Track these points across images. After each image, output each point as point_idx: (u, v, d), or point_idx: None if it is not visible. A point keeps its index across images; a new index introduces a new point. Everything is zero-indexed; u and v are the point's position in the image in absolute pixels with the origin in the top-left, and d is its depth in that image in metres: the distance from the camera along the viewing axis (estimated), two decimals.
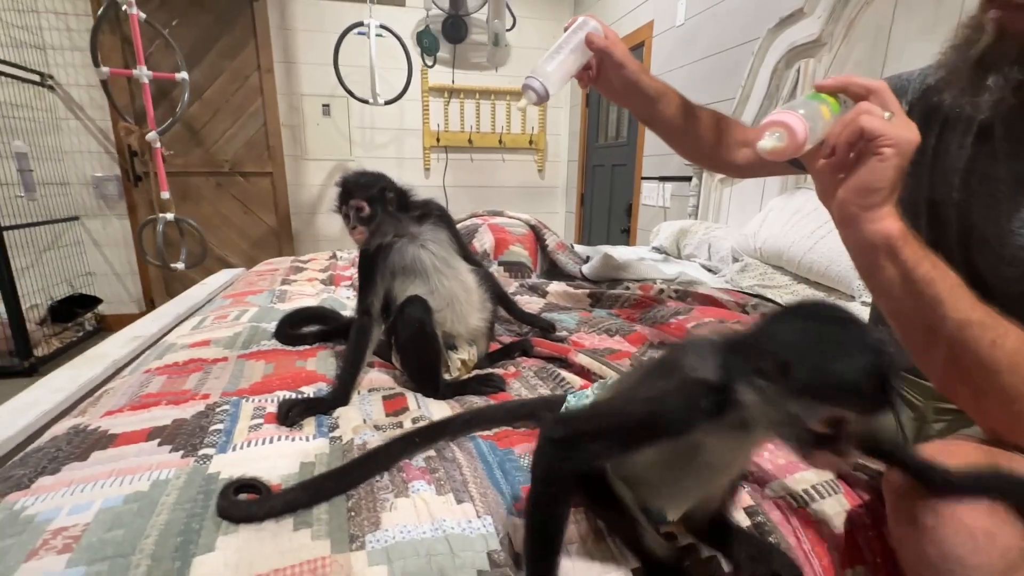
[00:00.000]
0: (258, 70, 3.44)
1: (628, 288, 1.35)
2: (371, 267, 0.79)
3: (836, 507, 0.56)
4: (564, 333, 1.04)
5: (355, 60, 3.34)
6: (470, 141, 3.85)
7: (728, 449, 0.44)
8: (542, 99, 0.75)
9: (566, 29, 0.77)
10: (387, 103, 3.21)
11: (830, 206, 0.51)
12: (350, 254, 1.87)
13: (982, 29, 0.51)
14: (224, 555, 0.44)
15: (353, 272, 1.59)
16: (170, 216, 3.03)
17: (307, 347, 0.93)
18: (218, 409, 0.68)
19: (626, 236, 3.19)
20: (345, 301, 1.26)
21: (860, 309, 1.16)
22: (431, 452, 0.59)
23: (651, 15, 2.76)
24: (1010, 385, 0.45)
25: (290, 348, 0.93)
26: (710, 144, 0.85)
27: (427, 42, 3.42)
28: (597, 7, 3.47)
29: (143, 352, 1.02)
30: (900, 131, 0.45)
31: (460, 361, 0.83)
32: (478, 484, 0.54)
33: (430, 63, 3.50)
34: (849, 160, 0.48)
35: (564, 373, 0.81)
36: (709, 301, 1.17)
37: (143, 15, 2.74)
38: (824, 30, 1.63)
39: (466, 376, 0.84)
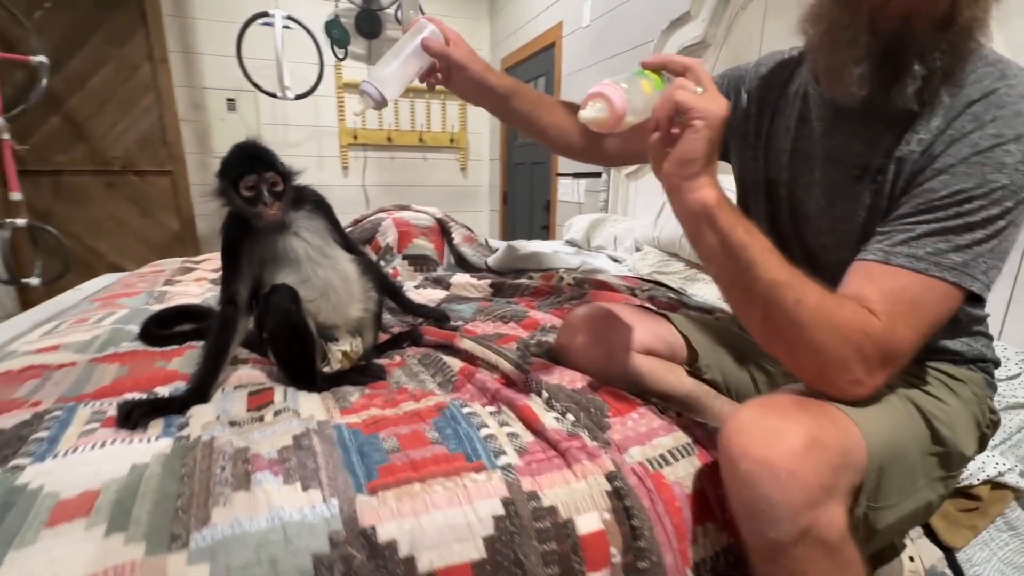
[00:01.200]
0: (150, 60, 3.18)
1: (532, 278, 1.37)
2: (236, 252, 0.74)
3: (689, 468, 0.59)
4: (459, 323, 1.03)
5: (262, 52, 3.17)
6: (389, 139, 3.76)
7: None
8: (380, 104, 0.74)
9: (404, 31, 0.77)
10: (298, 97, 3.07)
11: (660, 178, 0.54)
12: None
13: None
14: (17, 569, 0.39)
15: None
16: (20, 221, 2.68)
17: (175, 347, 0.86)
18: (47, 416, 0.61)
19: (546, 232, 3.25)
20: None
21: None
22: (287, 442, 0.56)
23: (560, 16, 2.83)
24: (817, 339, 0.50)
25: (155, 349, 0.85)
26: (574, 136, 0.87)
27: (337, 33, 3.30)
28: (508, 8, 3.51)
29: None
30: (709, 104, 0.48)
31: (341, 353, 0.80)
32: (330, 469, 0.52)
33: (341, 55, 3.39)
34: (672, 135, 0.51)
35: (447, 359, 0.80)
36: (603, 287, 1.21)
37: None
38: (708, 32, 1.74)
39: (348, 368, 0.82)
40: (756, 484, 0.45)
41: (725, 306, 1.18)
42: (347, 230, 1.79)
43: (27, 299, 3.22)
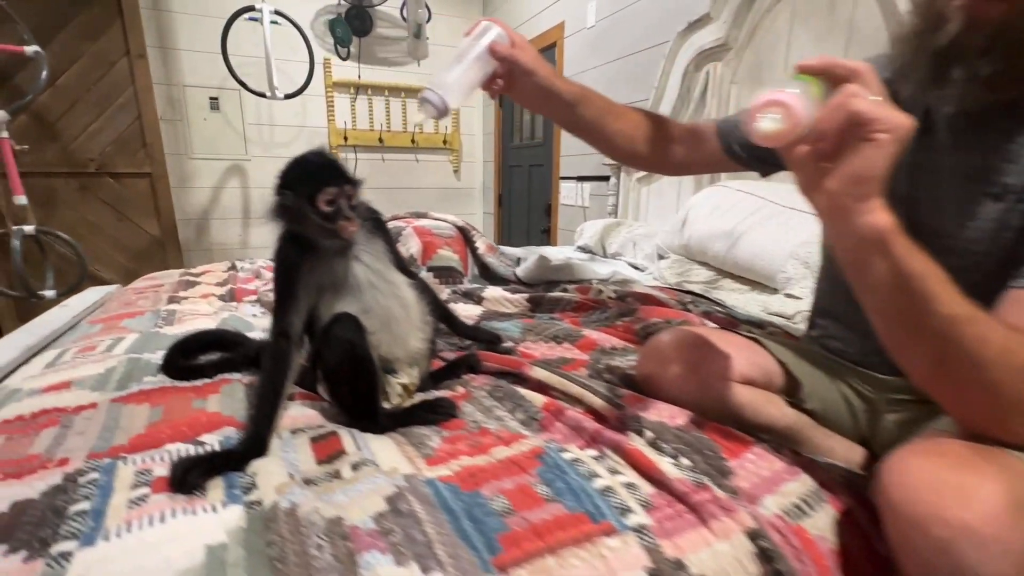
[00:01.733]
0: (127, 56, 2.99)
1: (566, 290, 1.30)
2: (292, 278, 0.66)
3: (826, 518, 0.54)
4: (510, 344, 0.96)
5: (249, 50, 3.03)
6: (381, 140, 3.65)
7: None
8: (441, 113, 0.67)
9: (467, 35, 0.69)
10: (287, 97, 2.94)
11: (815, 199, 0.48)
12: (252, 264, 1.65)
13: (944, 18, 0.50)
14: None
15: (259, 285, 1.39)
16: (29, 228, 2.51)
17: (207, 381, 0.76)
18: (82, 479, 0.52)
19: (546, 236, 3.19)
20: (251, 320, 1.08)
21: (784, 302, 1.21)
22: (381, 506, 0.48)
23: (562, 16, 2.78)
24: (997, 380, 0.44)
25: (184, 384, 0.75)
26: (640, 144, 0.82)
27: (340, 31, 3.17)
28: (505, 7, 3.44)
29: None
30: (895, 116, 0.42)
31: (401, 386, 0.72)
32: (444, 542, 0.44)
33: (344, 55, 3.26)
34: (836, 148, 0.45)
35: (521, 391, 0.73)
36: (650, 301, 1.15)
37: None
38: (729, 35, 1.70)
39: (409, 402, 0.73)
40: (956, 553, 0.40)
41: (770, 318, 1.14)
42: None
43: (24, 316, 3.00)
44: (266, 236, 2.99)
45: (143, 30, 3.00)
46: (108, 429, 0.62)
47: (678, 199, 2.01)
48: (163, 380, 0.76)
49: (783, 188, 1.45)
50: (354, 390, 0.66)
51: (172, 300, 1.24)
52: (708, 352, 0.69)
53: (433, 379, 0.81)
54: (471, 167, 4.08)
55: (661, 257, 1.74)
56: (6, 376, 0.89)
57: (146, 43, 3.02)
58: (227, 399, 0.70)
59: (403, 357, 0.72)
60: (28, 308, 2.93)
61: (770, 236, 1.34)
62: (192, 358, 0.83)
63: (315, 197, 0.63)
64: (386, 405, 0.70)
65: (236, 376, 0.78)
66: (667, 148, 0.82)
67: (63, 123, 2.96)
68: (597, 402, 0.67)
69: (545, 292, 1.26)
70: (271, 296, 1.24)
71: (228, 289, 1.35)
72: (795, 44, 1.52)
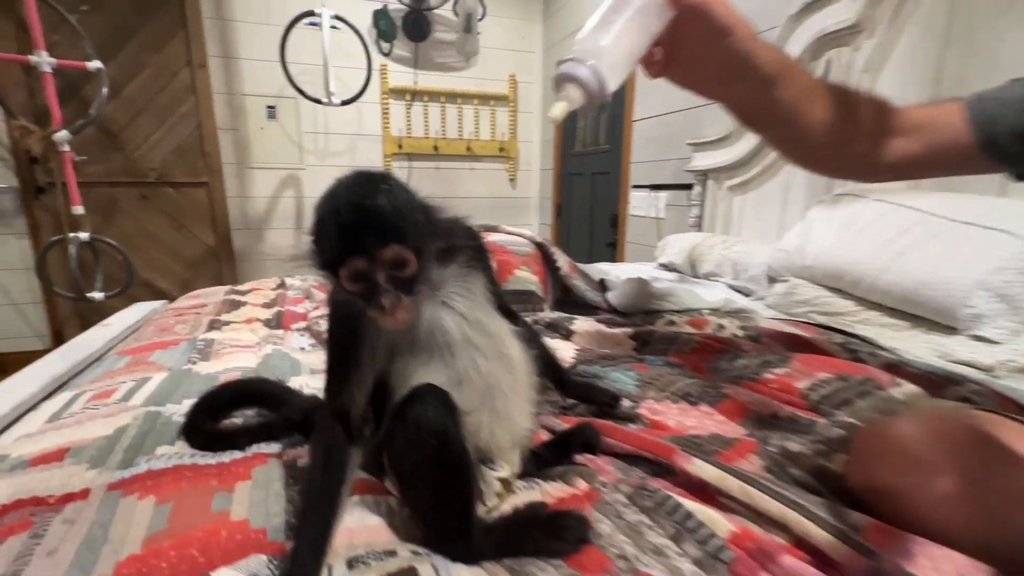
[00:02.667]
0: (189, 65, 2.99)
1: (673, 323, 1.05)
2: (352, 335, 0.45)
3: None
4: (627, 403, 0.72)
5: (306, 56, 2.95)
6: (435, 148, 3.51)
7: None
8: (594, 98, 0.44)
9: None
10: (344, 103, 2.83)
11: None
12: (303, 281, 1.49)
13: None
14: None
15: (309, 308, 1.21)
16: (84, 235, 2.52)
17: (236, 456, 0.57)
18: None
19: (612, 250, 2.93)
20: (299, 356, 0.90)
21: (974, 348, 0.91)
22: None
23: None
24: None
25: (207, 460, 0.56)
26: (847, 139, 0.57)
27: (384, 24, 3.05)
28: (567, 8, 3.22)
29: None
30: None
31: (500, 482, 0.50)
32: None
33: (386, 50, 3.14)
34: None
35: (679, 499, 0.49)
36: (799, 344, 0.88)
37: None
38: (863, 15, 1.41)
39: (508, 503, 0.51)
40: None
41: (960, 370, 0.84)
42: None
43: (56, 317, 3.04)
44: None
45: (205, 40, 2.99)
46: (90, 546, 0.43)
47: (783, 211, 1.72)
48: (180, 452, 0.57)
49: (949, 199, 1.15)
50: (441, 499, 0.43)
51: (213, 325, 1.07)
52: (1000, 458, 0.43)
53: (535, 461, 0.58)
54: (527, 176, 3.88)
55: (773, 280, 1.45)
56: (12, 423, 0.73)
57: (207, 53, 3.01)
58: (259, 495, 0.50)
59: (508, 444, 0.49)
60: (88, 314, 2.95)
61: (941, 259, 1.04)
62: (222, 416, 0.64)
63: (336, 271, 0.42)
64: (480, 508, 0.48)
65: (275, 449, 0.58)
66: (884, 144, 0.57)
67: (127, 133, 2.97)
68: (821, 536, 0.42)
69: (650, 325, 1.02)
70: (321, 325, 1.06)
71: (275, 312, 1.18)
72: (965, 19, 1.22)
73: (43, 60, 2.29)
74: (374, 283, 0.42)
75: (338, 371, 0.46)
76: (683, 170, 2.15)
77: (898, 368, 0.78)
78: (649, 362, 0.89)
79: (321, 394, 0.70)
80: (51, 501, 0.49)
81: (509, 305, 0.57)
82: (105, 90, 2.44)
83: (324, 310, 1.11)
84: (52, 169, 2.76)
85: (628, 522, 0.47)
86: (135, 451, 0.57)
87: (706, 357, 0.88)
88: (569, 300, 1.27)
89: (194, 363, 0.86)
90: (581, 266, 1.47)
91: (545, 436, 0.61)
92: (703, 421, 0.68)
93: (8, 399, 0.83)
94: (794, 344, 0.89)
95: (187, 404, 0.69)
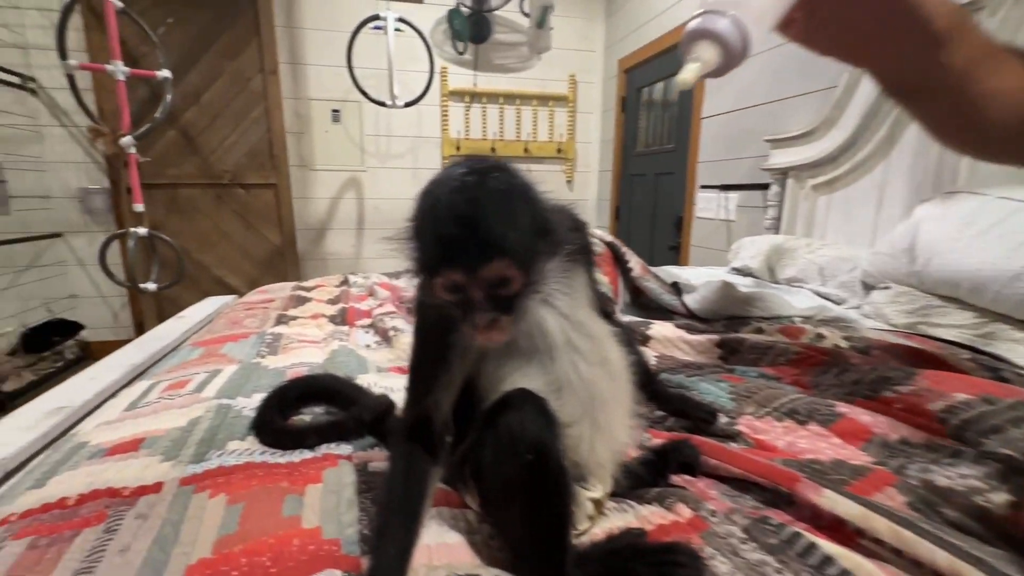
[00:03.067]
0: (261, 72, 3.12)
1: (760, 330, 0.95)
2: (443, 333, 0.40)
3: None
4: (723, 420, 0.64)
5: (369, 60, 3.02)
6: (493, 149, 3.49)
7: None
8: (735, 57, 0.37)
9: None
10: (406, 105, 2.86)
11: None
12: (366, 279, 1.49)
13: None
14: None
15: (372, 305, 1.20)
16: (142, 230, 2.68)
17: (306, 456, 0.54)
18: None
19: (675, 253, 2.80)
20: (364, 353, 0.87)
21: None
22: None
23: None
24: None
25: (276, 459, 0.53)
26: (1015, 111, 0.47)
27: (458, 23, 3.06)
28: (630, 4, 3.12)
29: (38, 454, 0.63)
30: None
31: (592, 503, 0.44)
32: None
33: (461, 49, 3.16)
34: None
35: (807, 535, 0.41)
36: (923, 359, 0.77)
37: (119, 4, 2.43)
38: None
39: (600, 524, 0.45)
40: None
41: None
42: None
43: (138, 309, 3.25)
44: (379, 248, 2.92)
45: (277, 46, 3.12)
46: (162, 546, 0.40)
47: (877, 211, 1.56)
48: (250, 448, 0.55)
49: None
50: (533, 522, 0.38)
51: (280, 320, 1.08)
52: None
53: (629, 477, 0.51)
54: (585, 177, 3.80)
55: (869, 288, 1.31)
56: (83, 418, 0.74)
57: (278, 59, 3.14)
58: (331, 500, 0.46)
59: (607, 460, 0.43)
60: (166, 307, 3.13)
61: None
62: (291, 412, 0.61)
63: (431, 277, 0.37)
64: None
65: (345, 450, 0.55)
66: None
67: (204, 137, 3.14)
68: None
69: (736, 332, 0.92)
70: (386, 323, 1.04)
71: (340, 309, 1.17)
72: None
73: (118, 69, 2.46)
74: (468, 299, 0.37)
75: (424, 372, 0.42)
76: (759, 169, 2.00)
77: None
78: (740, 373, 0.80)
79: (392, 394, 0.67)
80: (125, 493, 0.47)
81: (605, 305, 0.51)
82: (169, 96, 2.57)
83: (389, 307, 1.10)
84: (118, 169, 2.95)
85: (748, 561, 0.40)
86: (207, 445, 0.55)
87: (807, 370, 0.78)
88: (639, 303, 1.19)
89: (263, 356, 0.86)
90: (652, 268, 1.39)
91: (634, 451, 0.54)
92: (816, 443, 0.59)
93: (91, 386, 0.85)
94: (914, 358, 0.77)
95: (256, 398, 0.68)
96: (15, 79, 2.77)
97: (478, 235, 0.35)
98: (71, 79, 2.51)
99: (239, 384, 0.72)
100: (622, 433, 0.44)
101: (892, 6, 0.42)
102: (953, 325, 1.06)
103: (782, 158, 1.86)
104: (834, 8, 0.44)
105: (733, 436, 0.59)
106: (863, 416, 0.62)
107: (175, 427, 0.59)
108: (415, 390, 0.43)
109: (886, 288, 1.21)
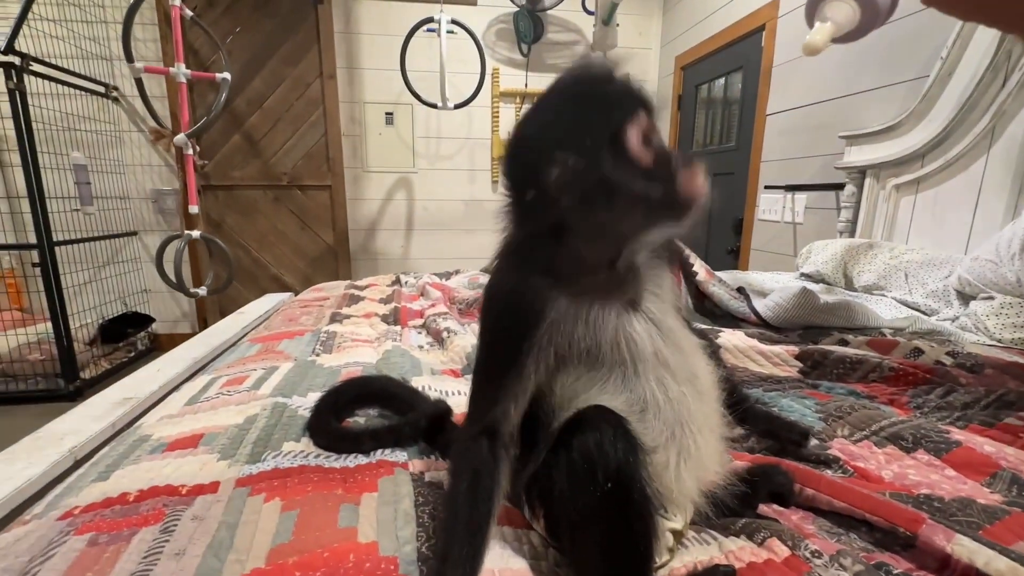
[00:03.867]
0: (320, 77, 3.22)
1: (845, 342, 0.86)
2: (521, 337, 0.36)
3: None
4: (814, 443, 0.57)
5: (421, 64, 3.05)
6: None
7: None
8: (878, 15, 0.33)
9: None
10: (457, 107, 2.87)
11: None
12: (417, 279, 1.49)
13: None
14: None
15: (424, 305, 1.18)
16: (196, 233, 2.79)
17: (360, 462, 0.51)
18: None
19: (734, 257, 2.66)
20: (418, 355, 0.85)
21: None
22: None
23: None
24: None
25: (331, 463, 0.51)
26: None
27: (523, 26, 3.05)
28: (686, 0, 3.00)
29: (105, 444, 0.64)
30: None
31: (673, 534, 0.39)
32: None
33: (526, 50, 3.15)
34: None
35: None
36: None
37: (188, 12, 2.56)
38: None
39: (681, 559, 0.40)
40: None
41: None
42: None
43: (201, 304, 3.42)
44: (426, 247, 2.93)
45: (335, 52, 3.21)
46: (216, 552, 0.39)
47: (973, 212, 1.40)
48: (305, 450, 0.53)
49: None
50: (611, 556, 0.33)
51: (334, 318, 1.08)
52: None
53: (711, 507, 0.45)
54: None
55: (965, 298, 1.17)
56: (150, 408, 0.76)
57: (337, 64, 3.23)
58: (387, 512, 0.43)
59: (694, 490, 0.38)
60: (226, 304, 3.27)
61: None
62: (346, 414, 0.59)
63: (620, 135, 0.33)
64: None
65: (400, 457, 0.52)
66: None
67: (265, 141, 3.27)
68: None
69: (818, 343, 0.84)
70: (439, 324, 1.02)
71: (392, 308, 1.16)
72: None
73: (180, 72, 2.59)
74: (658, 144, 0.34)
75: (493, 377, 0.38)
76: (832, 168, 1.86)
77: None
78: (826, 389, 0.72)
79: (448, 398, 0.64)
80: (183, 492, 0.46)
81: (688, 316, 0.46)
82: (223, 96, 2.67)
83: (442, 308, 1.07)
84: (207, 172, 3.10)
85: None
86: (263, 445, 0.54)
87: (905, 389, 0.70)
88: (702, 309, 1.11)
89: (318, 355, 0.85)
90: (718, 273, 1.31)
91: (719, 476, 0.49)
92: (927, 475, 0.51)
93: (157, 378, 0.87)
94: None
95: (312, 397, 0.67)
96: (100, 88, 2.98)
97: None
98: (139, 83, 2.65)
99: (295, 382, 0.71)
100: (711, 460, 0.39)
101: None
102: None
103: (860, 156, 1.72)
104: None
105: (828, 463, 0.52)
106: (985, 447, 0.53)
107: (233, 424, 0.59)
108: (482, 397, 0.39)
109: (989, 298, 1.08)
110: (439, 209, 3.51)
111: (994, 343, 0.96)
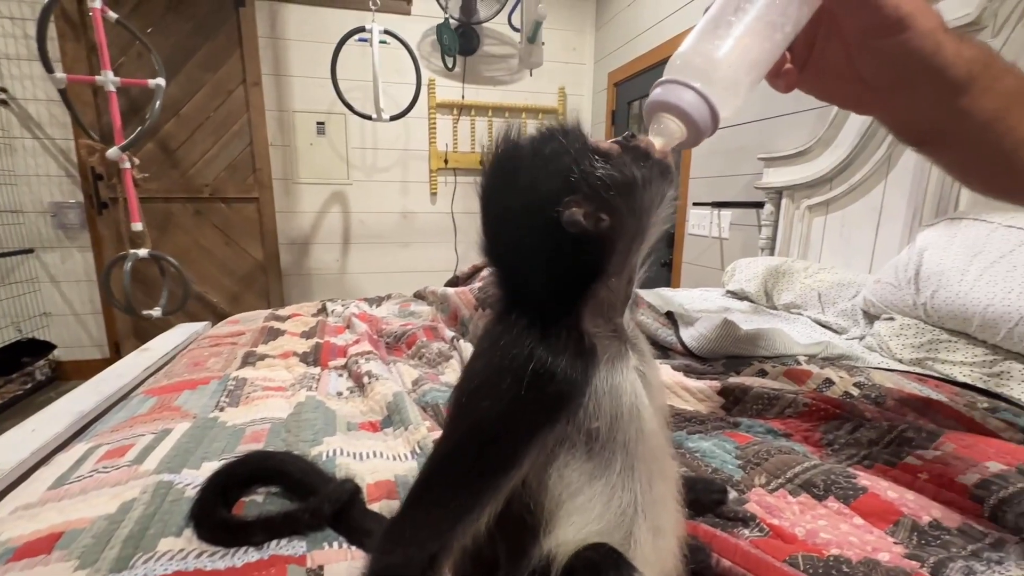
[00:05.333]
0: (244, 84, 3.04)
1: (764, 372, 0.89)
2: (517, 430, 0.29)
3: None
4: (733, 496, 0.57)
5: (355, 73, 2.96)
6: (482, 163, 3.42)
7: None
8: (701, 133, 0.34)
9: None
10: (392, 119, 2.80)
11: None
12: (344, 308, 1.41)
13: None
14: None
15: (348, 340, 1.12)
16: (143, 252, 2.57)
17: (251, 559, 0.46)
18: None
19: (668, 270, 2.75)
20: (334, 405, 0.79)
21: None
22: None
23: (694, 20, 2.37)
24: None
25: (217, 554, 0.45)
26: None
27: (447, 39, 3.02)
28: (622, 16, 3.09)
29: None
30: None
31: None
32: None
33: (451, 65, 3.11)
34: None
35: None
36: (939, 411, 0.70)
37: (113, 15, 2.35)
38: (985, 10, 1.21)
39: None
40: None
41: None
42: (468, 286, 1.39)
43: (113, 327, 3.12)
44: (363, 261, 2.83)
45: (260, 58, 3.04)
46: None
47: (875, 234, 1.51)
48: (185, 548, 0.47)
49: None
50: None
51: (247, 359, 0.99)
52: None
53: None
54: None
55: (871, 318, 1.25)
56: (24, 477, 0.66)
57: (261, 71, 3.06)
58: None
59: None
60: (143, 327, 3.01)
61: None
62: (239, 494, 0.53)
63: (591, 148, 0.32)
64: None
65: (298, 550, 0.47)
66: None
67: (183, 150, 3.05)
68: None
69: (738, 376, 0.86)
70: (361, 366, 0.96)
71: (313, 345, 1.09)
72: None
73: (108, 80, 2.37)
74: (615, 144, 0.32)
75: (470, 484, 0.29)
76: (753, 186, 1.96)
77: None
78: (746, 428, 0.73)
79: (364, 462, 0.59)
80: None
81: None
82: (158, 103, 2.48)
83: (365, 346, 1.01)
84: (115, 185, 2.84)
85: None
86: (134, 545, 0.47)
87: (817, 424, 0.72)
88: None
89: (222, 409, 0.77)
90: (643, 292, 1.32)
91: None
92: (838, 526, 0.52)
93: (28, 443, 0.76)
94: (929, 411, 0.71)
95: (207, 468, 0.60)
96: None
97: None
98: (63, 94, 2.41)
99: (188, 450, 0.64)
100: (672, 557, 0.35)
101: (905, 56, 0.36)
102: (963, 362, 1.01)
103: (776, 177, 1.82)
104: (834, 57, 0.39)
105: (746, 520, 0.52)
106: (888, 492, 0.55)
107: (103, 515, 0.51)
108: (428, 518, 0.30)
109: (890, 319, 1.16)
110: (376, 222, 3.41)
111: (897, 365, 1.02)
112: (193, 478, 0.58)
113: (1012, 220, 1.07)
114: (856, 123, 1.51)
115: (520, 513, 0.30)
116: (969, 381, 0.93)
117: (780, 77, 0.42)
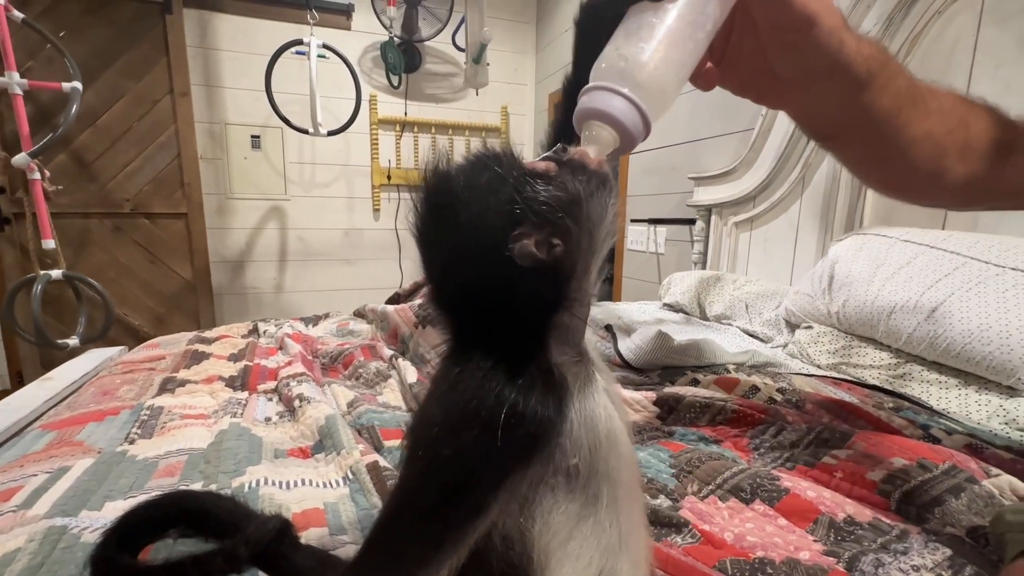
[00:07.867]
0: (171, 93, 2.88)
1: (696, 381, 0.92)
2: (483, 473, 0.27)
3: None
4: (666, 504, 0.58)
5: (293, 87, 2.87)
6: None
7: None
8: (634, 139, 0.34)
9: None
10: (330, 134, 2.73)
11: None
12: (278, 328, 1.34)
13: None
14: None
15: (280, 362, 1.06)
16: (56, 273, 2.34)
17: None
18: None
19: (609, 285, 2.83)
20: (261, 432, 0.75)
21: None
22: None
23: None
24: None
25: None
26: (959, 159, 0.47)
27: (392, 57, 3.00)
28: (561, 40, 3.20)
29: None
30: None
31: None
32: None
33: (396, 83, 3.09)
34: None
35: None
36: (851, 412, 0.76)
37: (19, 14, 2.16)
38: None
39: None
40: None
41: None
42: (409, 304, 1.37)
43: (14, 356, 2.82)
44: (302, 279, 2.71)
45: (188, 68, 2.89)
46: None
47: (794, 248, 1.62)
48: None
49: (987, 240, 1.05)
50: None
51: (166, 386, 0.92)
52: None
53: None
54: None
55: (793, 326, 1.34)
56: None
57: (190, 81, 2.91)
58: None
59: None
60: (50, 354, 2.73)
61: (992, 308, 0.94)
62: (146, 541, 0.48)
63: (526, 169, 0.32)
64: None
65: None
66: (1004, 164, 0.47)
67: (101, 162, 2.84)
68: None
69: (672, 385, 0.89)
70: (292, 389, 0.91)
71: (241, 368, 1.03)
72: (986, 52, 1.15)
73: (13, 81, 2.17)
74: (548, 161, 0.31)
75: (417, 537, 0.27)
76: (685, 204, 2.06)
77: (981, 451, 0.65)
78: (679, 437, 0.75)
79: (292, 491, 0.56)
80: None
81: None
82: (75, 107, 2.30)
83: (298, 367, 0.97)
84: (21, 199, 2.59)
85: None
86: None
87: (745, 430, 0.75)
88: None
89: (132, 441, 0.71)
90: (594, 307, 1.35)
91: None
92: (764, 527, 0.54)
93: None
94: (843, 412, 0.76)
95: (109, 509, 0.54)
96: None
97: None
98: None
99: (88, 490, 0.58)
100: None
101: (812, 52, 0.39)
102: (872, 366, 1.09)
103: (705, 195, 1.92)
104: (749, 54, 0.41)
105: (677, 525, 0.54)
106: (808, 491, 0.58)
107: None
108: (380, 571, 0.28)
109: (809, 328, 1.24)
110: (316, 239, 3.30)
111: (816, 370, 1.09)
112: (92, 521, 0.52)
113: (907, 235, 1.19)
114: (774, 145, 1.62)
115: (503, 572, 0.28)
116: (877, 383, 1.01)
117: (701, 77, 0.44)
